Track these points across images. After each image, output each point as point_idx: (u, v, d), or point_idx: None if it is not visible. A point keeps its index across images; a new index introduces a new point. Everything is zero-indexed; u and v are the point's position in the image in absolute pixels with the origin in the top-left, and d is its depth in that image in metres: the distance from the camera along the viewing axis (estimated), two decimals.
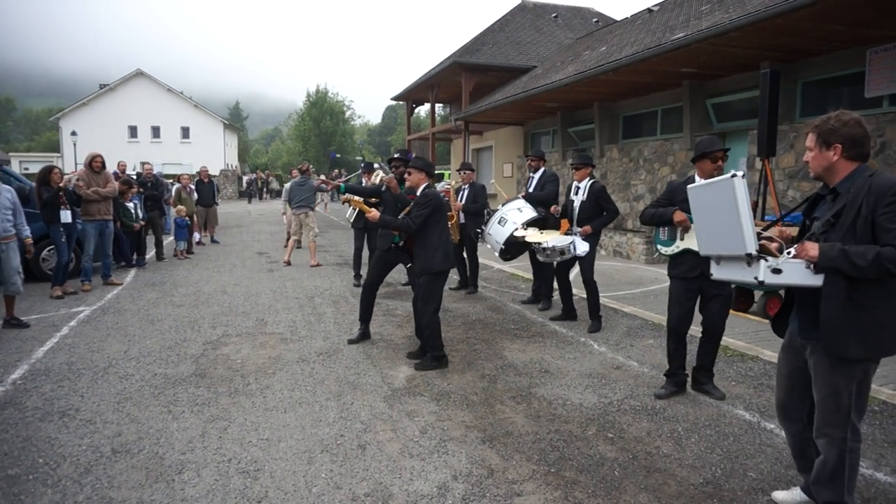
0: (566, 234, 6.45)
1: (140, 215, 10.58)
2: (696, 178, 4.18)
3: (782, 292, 4.73)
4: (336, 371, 5.02)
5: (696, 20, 9.84)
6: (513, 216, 6.88)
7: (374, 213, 5.15)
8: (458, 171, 8.84)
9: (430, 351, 5.15)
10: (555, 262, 6.51)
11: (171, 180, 18.02)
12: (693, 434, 3.82)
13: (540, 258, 6.55)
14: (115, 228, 9.32)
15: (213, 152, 46.92)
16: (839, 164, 2.57)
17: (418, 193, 5.18)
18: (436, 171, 25.30)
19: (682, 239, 4.27)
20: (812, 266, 2.53)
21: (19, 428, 3.87)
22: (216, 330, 6.35)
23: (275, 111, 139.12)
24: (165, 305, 7.52)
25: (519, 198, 7.29)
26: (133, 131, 47.31)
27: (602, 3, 27.60)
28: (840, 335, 2.51)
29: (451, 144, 27.11)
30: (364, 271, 9.23)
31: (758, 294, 6.85)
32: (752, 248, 2.62)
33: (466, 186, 8.32)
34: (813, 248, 2.51)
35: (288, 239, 12.23)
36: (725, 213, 2.78)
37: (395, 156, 7.56)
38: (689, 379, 4.58)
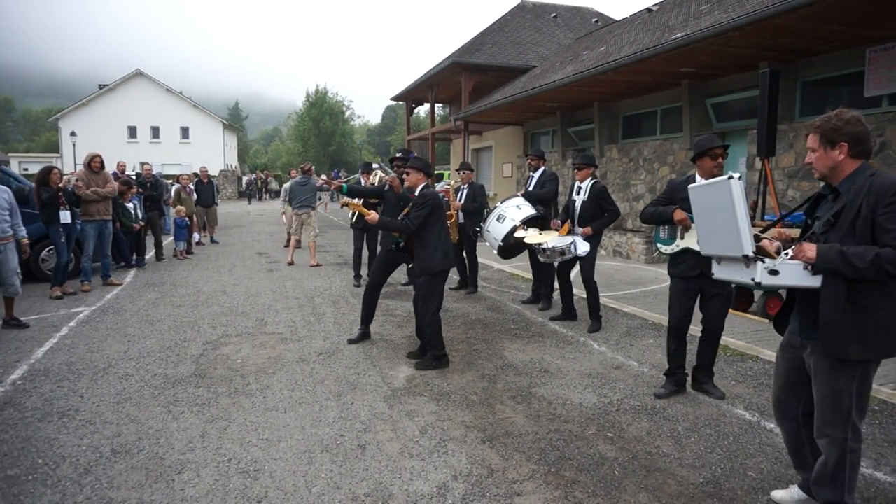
0: (567, 234, 6.44)
1: (139, 216, 10.58)
2: (697, 177, 4.18)
3: (783, 292, 4.73)
4: (336, 371, 5.02)
5: (696, 20, 9.85)
6: (511, 213, 6.87)
7: (373, 216, 5.16)
8: (456, 170, 8.85)
9: (431, 350, 5.14)
10: (555, 263, 6.50)
11: (170, 180, 18.04)
12: (693, 434, 3.82)
13: (541, 259, 6.55)
14: (114, 229, 9.32)
15: (213, 152, 46.91)
16: (844, 162, 2.56)
17: (416, 193, 5.18)
18: (436, 171, 25.18)
19: (682, 238, 4.27)
20: (810, 267, 2.53)
21: (19, 428, 3.87)
22: (216, 330, 6.35)
23: (274, 111, 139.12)
24: (165, 306, 7.52)
25: (518, 195, 7.29)
26: (132, 131, 47.29)
27: (601, 3, 27.63)
28: (840, 336, 2.51)
29: (450, 144, 27.12)
30: (364, 271, 9.26)
31: (758, 294, 6.85)
32: (749, 249, 2.64)
33: (465, 186, 8.32)
34: (811, 250, 2.50)
35: (288, 239, 12.23)
36: (723, 214, 2.81)
37: (398, 155, 7.57)
38: (689, 378, 4.58)
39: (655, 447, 3.63)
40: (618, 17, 21.32)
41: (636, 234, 11.79)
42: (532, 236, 6.62)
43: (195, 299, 7.92)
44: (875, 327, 2.48)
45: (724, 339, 5.09)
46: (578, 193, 6.31)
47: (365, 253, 9.26)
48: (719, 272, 2.94)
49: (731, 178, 2.81)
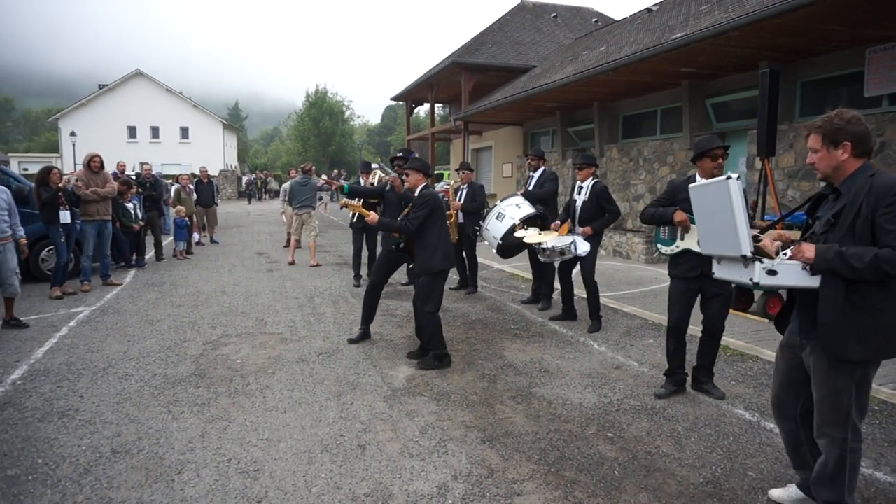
0: (567, 234, 6.44)
1: (139, 216, 10.58)
2: (697, 177, 4.18)
3: (783, 292, 4.72)
4: (336, 371, 5.02)
5: (696, 20, 9.85)
6: (511, 211, 6.86)
7: (372, 217, 5.18)
8: (456, 170, 8.84)
9: (432, 350, 5.15)
10: (555, 263, 6.50)
11: (170, 180, 18.03)
12: (693, 434, 3.82)
13: (540, 258, 6.55)
14: (114, 229, 9.32)
15: (213, 152, 46.90)
16: (847, 162, 2.55)
17: (416, 194, 5.19)
18: (435, 171, 25.17)
19: (682, 239, 4.27)
20: (808, 268, 2.52)
21: (19, 428, 3.87)
22: (216, 330, 6.35)
23: (274, 111, 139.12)
24: (165, 306, 7.52)
25: (517, 194, 7.29)
26: (132, 131, 47.29)
27: (601, 3, 27.63)
28: (838, 336, 2.51)
29: (450, 144, 27.11)
30: (364, 271, 9.26)
31: (758, 294, 6.85)
32: (747, 250, 2.66)
33: (465, 186, 8.32)
34: (809, 250, 2.50)
35: (288, 239, 12.23)
36: (722, 214, 2.83)
37: (398, 154, 7.56)
38: (689, 378, 4.58)
39: (655, 447, 3.63)
40: (618, 17, 21.32)
41: (636, 234, 11.79)
42: (532, 236, 6.61)
43: (195, 299, 7.92)
44: (874, 328, 2.48)
45: (724, 339, 5.08)
46: (579, 193, 6.31)
47: (364, 253, 9.26)
48: (719, 272, 2.95)
49: (729, 178, 2.83)
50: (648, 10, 14.76)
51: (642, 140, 13.36)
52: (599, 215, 6.22)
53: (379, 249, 6.90)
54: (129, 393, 4.49)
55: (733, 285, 4.51)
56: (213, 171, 35.09)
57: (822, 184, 2.73)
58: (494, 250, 7.10)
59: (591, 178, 6.28)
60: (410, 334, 6.04)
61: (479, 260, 8.78)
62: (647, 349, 5.69)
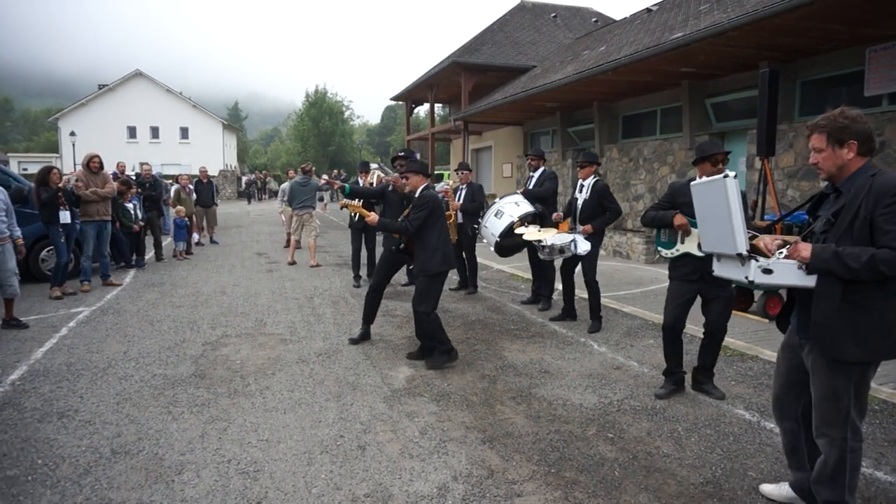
0: (568, 232, 6.44)
1: (139, 216, 10.58)
2: (697, 179, 4.19)
3: (783, 292, 4.72)
4: (336, 372, 5.02)
5: (695, 20, 9.85)
6: (510, 209, 6.85)
7: (372, 217, 5.19)
8: (455, 171, 8.84)
9: (436, 346, 5.15)
10: (555, 261, 6.49)
11: (169, 181, 18.03)
12: (693, 434, 3.82)
13: (540, 256, 6.54)
14: (114, 229, 9.32)
15: (212, 153, 46.91)
16: (852, 161, 2.54)
17: (416, 195, 5.19)
18: (435, 172, 25.18)
19: (682, 242, 4.28)
20: (805, 267, 2.52)
21: (18, 429, 3.87)
22: (215, 331, 6.35)
23: (274, 111, 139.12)
24: (165, 306, 7.51)
25: (517, 193, 7.28)
26: (132, 132, 47.30)
27: (601, 3, 27.66)
28: (834, 336, 2.50)
29: (450, 145, 27.13)
30: (363, 272, 9.26)
31: (758, 294, 6.85)
32: (743, 248, 2.69)
33: (464, 186, 8.32)
34: (805, 249, 2.50)
35: (288, 239, 12.23)
36: (719, 212, 2.88)
37: (400, 154, 7.56)
38: (690, 379, 4.57)
39: (655, 447, 3.63)
40: (617, 17, 21.34)
41: (636, 235, 11.80)
42: (531, 233, 6.60)
43: (195, 300, 7.91)
44: (872, 328, 2.46)
45: (724, 340, 5.08)
46: (581, 191, 6.32)
47: (364, 254, 9.26)
48: (719, 269, 2.99)
49: (726, 176, 2.87)
50: (648, 10, 14.77)
51: (642, 140, 13.37)
52: (600, 214, 6.22)
53: (378, 250, 6.90)
54: (128, 393, 4.49)
55: (734, 286, 4.52)
56: (213, 171, 35.07)
57: (823, 183, 2.73)
58: (492, 248, 7.09)
59: (592, 177, 6.29)
60: (410, 335, 6.03)
61: (479, 260, 8.78)
62: (647, 350, 5.69)
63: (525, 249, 7.34)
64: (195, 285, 8.98)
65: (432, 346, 5.22)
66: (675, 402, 4.36)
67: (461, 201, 8.19)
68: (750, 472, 3.33)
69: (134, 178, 12.54)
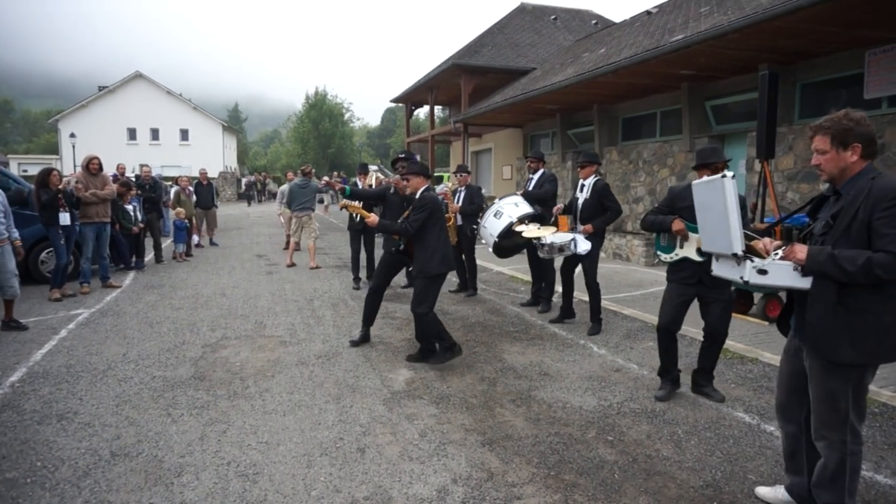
0: (568, 231, 6.44)
1: (139, 218, 10.57)
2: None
3: (782, 295, 4.71)
4: (335, 374, 5.02)
5: (695, 22, 9.86)
6: (509, 210, 6.85)
7: (373, 218, 5.20)
8: (454, 173, 8.84)
9: (439, 344, 5.15)
10: (554, 261, 6.48)
11: (169, 182, 18.03)
12: (693, 437, 3.82)
13: (539, 254, 6.54)
14: (113, 231, 9.31)
15: (212, 154, 46.94)
16: (855, 164, 2.52)
17: (417, 196, 5.21)
18: (435, 174, 25.22)
19: (681, 247, 4.28)
20: (800, 269, 2.52)
21: (17, 431, 3.86)
22: (215, 332, 6.34)
23: (274, 113, 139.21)
24: (164, 308, 7.51)
25: (517, 194, 7.28)
26: (132, 133, 47.32)
27: (601, 6, 27.70)
28: (829, 339, 2.50)
29: (450, 147, 27.13)
30: (363, 274, 9.26)
31: (758, 296, 6.85)
32: (738, 248, 2.72)
33: (463, 189, 8.33)
34: (801, 251, 2.50)
35: (288, 241, 12.23)
36: (717, 212, 2.92)
37: (401, 156, 7.57)
38: (690, 381, 4.57)
39: (655, 450, 3.62)
40: (617, 19, 21.36)
41: (636, 237, 11.80)
42: (531, 230, 6.59)
43: (194, 302, 7.91)
44: (867, 331, 2.45)
45: (725, 342, 5.08)
46: (581, 191, 6.33)
47: (363, 256, 9.25)
48: (717, 269, 3.02)
49: (724, 176, 2.89)
50: (648, 12, 14.79)
51: (642, 142, 13.38)
52: (601, 213, 6.22)
53: (378, 252, 6.90)
54: (128, 395, 4.48)
55: (733, 289, 4.53)
56: (213, 173, 35.10)
57: (823, 185, 2.74)
58: (491, 249, 7.09)
59: (593, 176, 6.30)
60: (410, 337, 6.03)
61: (479, 262, 8.78)
62: (647, 352, 5.68)
63: (524, 251, 7.34)
64: (195, 287, 8.97)
65: (432, 349, 5.23)
66: (675, 404, 4.36)
67: (460, 203, 8.19)
68: (750, 475, 3.33)
69: (134, 179, 12.54)
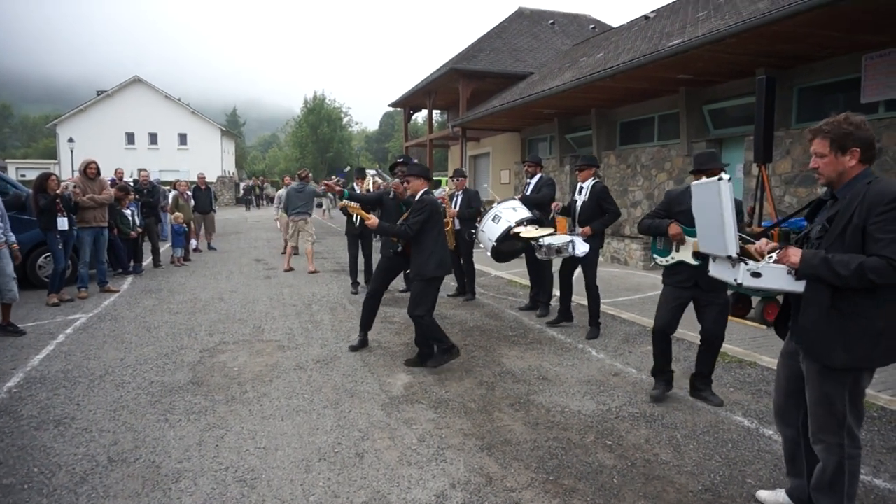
0: (566, 234, 6.45)
1: (137, 222, 10.56)
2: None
3: (780, 298, 4.71)
4: (333, 379, 5.01)
5: (693, 27, 9.90)
6: (507, 214, 6.85)
7: (372, 220, 5.20)
8: (451, 178, 8.84)
9: (436, 346, 5.15)
10: (552, 263, 6.48)
11: (168, 187, 18.02)
12: (691, 441, 3.81)
13: (537, 255, 6.54)
14: (111, 235, 9.30)
15: (211, 159, 46.94)
16: (853, 168, 2.53)
17: (416, 199, 5.22)
18: (433, 177, 25.41)
19: (677, 251, 4.30)
20: (794, 272, 2.53)
21: (14, 437, 3.85)
22: (213, 337, 6.33)
23: (272, 118, 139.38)
24: (162, 313, 7.50)
25: (515, 198, 7.29)
26: (130, 138, 47.29)
27: (599, 10, 27.80)
28: (823, 343, 2.50)
29: (448, 151, 27.16)
30: (361, 278, 9.25)
31: (756, 300, 6.86)
32: (732, 250, 2.76)
33: (460, 193, 8.33)
34: (794, 255, 2.50)
35: (286, 246, 12.23)
36: (713, 213, 2.96)
37: (399, 160, 7.58)
38: (688, 385, 4.57)
39: (654, 454, 3.62)
40: (615, 24, 21.43)
41: (634, 241, 11.81)
42: (529, 231, 6.59)
43: (192, 306, 7.90)
44: (860, 335, 2.45)
45: (723, 346, 5.08)
46: (580, 193, 6.34)
47: (361, 260, 9.25)
48: (713, 270, 3.05)
49: (720, 179, 2.92)
50: (646, 17, 14.84)
51: (640, 146, 13.40)
52: (599, 216, 6.23)
53: (375, 256, 6.90)
54: (125, 401, 4.47)
55: (729, 293, 4.54)
56: (211, 177, 35.08)
57: (821, 189, 2.75)
58: (489, 253, 7.09)
59: (591, 179, 6.31)
60: (408, 342, 6.03)
61: (477, 266, 8.78)
62: (645, 356, 5.68)
63: (523, 255, 7.34)
64: (193, 292, 8.96)
65: (431, 353, 5.23)
66: (674, 408, 4.35)
67: (457, 208, 8.20)
68: (748, 479, 3.32)
69: (132, 184, 12.54)
